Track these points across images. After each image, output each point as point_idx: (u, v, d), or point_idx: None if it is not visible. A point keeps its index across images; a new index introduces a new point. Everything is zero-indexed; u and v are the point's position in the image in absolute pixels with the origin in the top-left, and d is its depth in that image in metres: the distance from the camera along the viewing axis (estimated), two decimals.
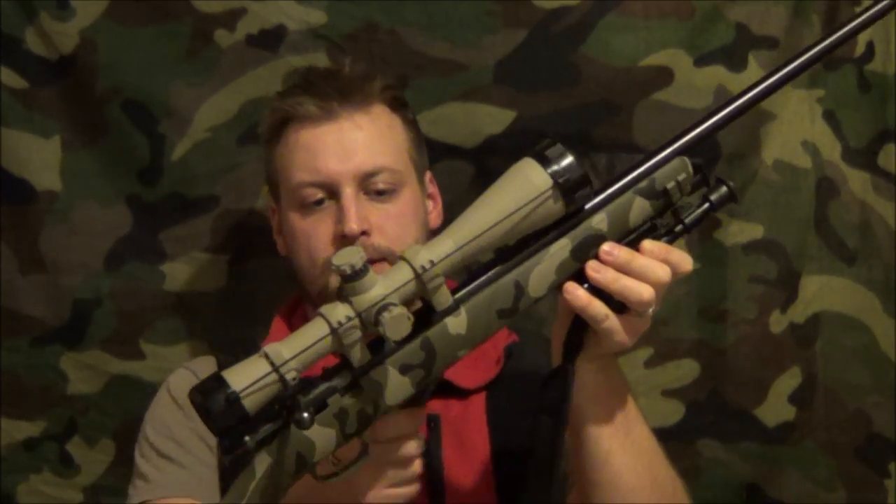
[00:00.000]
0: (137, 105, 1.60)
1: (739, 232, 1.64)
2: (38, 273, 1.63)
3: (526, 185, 1.00)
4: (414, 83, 1.57)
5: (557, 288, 1.05)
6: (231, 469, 1.06)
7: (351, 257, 0.97)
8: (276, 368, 0.95)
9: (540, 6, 1.59)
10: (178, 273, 1.63)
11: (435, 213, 1.41)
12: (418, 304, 1.02)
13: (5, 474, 1.67)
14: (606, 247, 1.04)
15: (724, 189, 1.08)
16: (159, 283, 1.64)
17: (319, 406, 1.00)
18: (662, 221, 1.07)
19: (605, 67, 1.59)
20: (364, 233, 1.28)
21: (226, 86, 1.60)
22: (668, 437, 1.62)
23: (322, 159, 1.30)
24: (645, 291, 1.03)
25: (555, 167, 1.00)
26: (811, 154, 1.64)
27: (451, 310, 1.02)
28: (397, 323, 0.95)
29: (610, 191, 1.05)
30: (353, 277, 0.96)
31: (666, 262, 1.05)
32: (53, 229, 1.63)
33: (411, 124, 1.39)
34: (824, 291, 1.66)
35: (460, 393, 1.31)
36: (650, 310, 1.05)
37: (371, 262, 1.25)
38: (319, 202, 1.31)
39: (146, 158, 1.62)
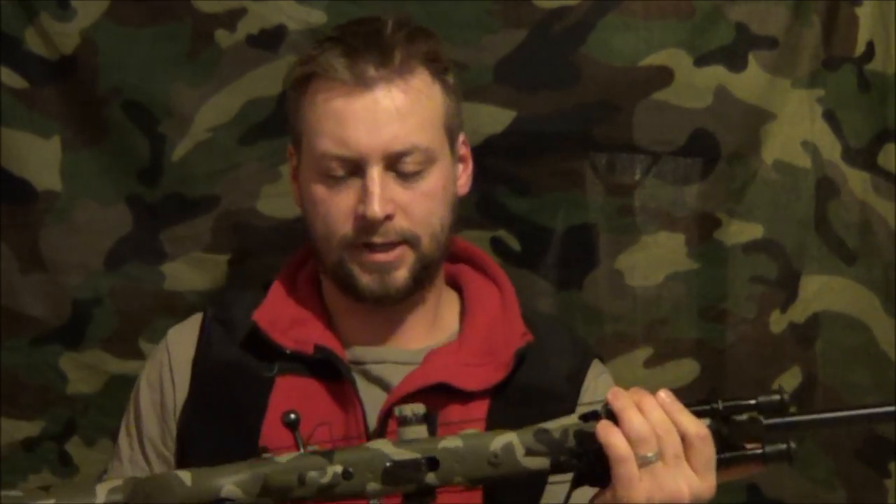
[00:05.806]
0: (138, 105, 1.60)
1: (739, 232, 1.64)
2: (38, 273, 1.63)
3: None
4: None
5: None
6: None
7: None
8: None
9: (540, 6, 1.59)
10: (178, 273, 1.63)
11: (464, 178, 1.35)
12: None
13: (4, 474, 1.65)
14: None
15: (783, 447, 1.07)
16: (159, 283, 1.64)
17: None
18: None
19: (605, 67, 1.59)
20: (388, 217, 1.23)
21: (226, 86, 1.60)
22: None
23: (351, 131, 1.22)
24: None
25: None
26: (811, 154, 1.63)
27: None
28: None
29: None
30: None
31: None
32: (53, 229, 1.63)
33: (451, 89, 1.30)
34: (824, 291, 1.66)
35: (461, 396, 1.26)
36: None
37: (392, 245, 1.24)
38: (344, 176, 1.24)
39: (146, 158, 1.62)
